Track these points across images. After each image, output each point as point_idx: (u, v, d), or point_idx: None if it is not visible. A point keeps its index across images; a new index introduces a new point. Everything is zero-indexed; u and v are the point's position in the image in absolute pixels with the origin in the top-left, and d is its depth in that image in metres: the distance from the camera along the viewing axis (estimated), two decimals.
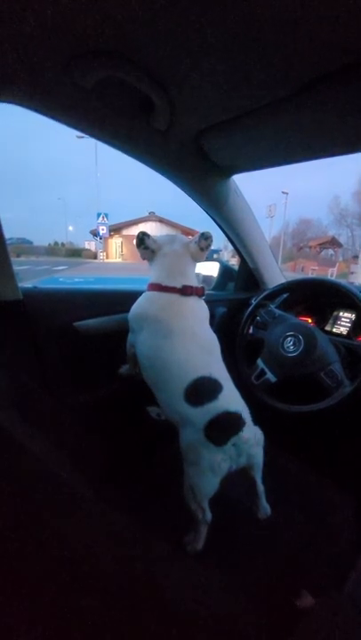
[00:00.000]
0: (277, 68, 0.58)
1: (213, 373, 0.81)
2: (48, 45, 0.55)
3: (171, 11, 0.48)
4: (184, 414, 0.77)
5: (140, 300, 0.92)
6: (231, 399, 0.80)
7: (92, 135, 0.82)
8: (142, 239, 0.89)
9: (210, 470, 0.73)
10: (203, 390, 0.78)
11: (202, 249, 0.90)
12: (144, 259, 0.94)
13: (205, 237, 0.89)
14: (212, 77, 0.62)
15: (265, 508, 0.87)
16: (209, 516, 0.78)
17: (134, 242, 0.93)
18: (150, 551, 0.44)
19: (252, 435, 0.77)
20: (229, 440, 0.72)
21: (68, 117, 0.75)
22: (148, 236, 0.90)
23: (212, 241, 0.90)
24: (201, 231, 0.90)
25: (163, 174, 1.01)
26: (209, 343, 0.88)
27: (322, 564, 0.77)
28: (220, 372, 0.84)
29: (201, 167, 0.98)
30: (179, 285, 0.87)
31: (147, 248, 0.90)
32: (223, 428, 0.73)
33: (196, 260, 0.93)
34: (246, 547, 0.81)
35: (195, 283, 0.91)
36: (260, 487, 0.86)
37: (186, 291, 0.87)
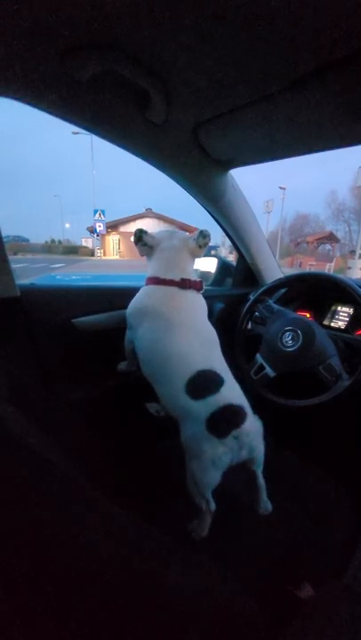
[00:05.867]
0: (274, 61, 0.58)
1: (214, 366, 0.81)
2: (43, 38, 0.54)
3: (167, 3, 0.47)
4: (186, 408, 0.77)
5: (138, 294, 0.92)
6: (233, 392, 0.80)
7: (89, 129, 0.81)
8: (140, 236, 0.89)
9: (211, 463, 0.74)
10: (204, 383, 0.78)
11: (200, 246, 0.90)
12: (142, 255, 0.93)
13: (204, 235, 0.89)
14: (209, 70, 0.61)
15: (265, 503, 0.87)
16: (213, 505, 0.78)
17: (132, 239, 0.92)
18: (150, 546, 0.44)
19: (253, 426, 0.78)
20: (231, 433, 0.73)
21: (64, 111, 0.74)
22: (145, 232, 0.90)
23: (210, 239, 0.90)
24: (199, 228, 0.90)
25: (159, 169, 1.00)
26: (209, 336, 0.88)
27: (320, 556, 0.78)
28: (220, 365, 0.84)
29: (198, 161, 0.98)
30: (177, 278, 0.87)
31: (145, 244, 0.90)
32: (225, 420, 0.74)
33: (194, 256, 0.93)
34: (246, 539, 0.82)
35: (193, 277, 0.91)
36: (261, 481, 0.86)
37: (184, 284, 0.87)
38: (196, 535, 0.79)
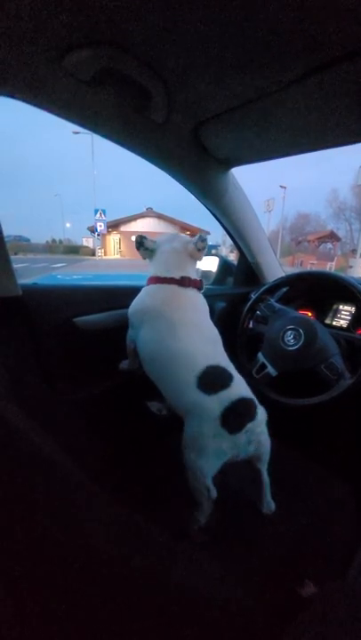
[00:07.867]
0: (274, 60, 0.58)
1: (220, 362, 0.82)
2: (44, 37, 0.54)
3: (167, 2, 0.47)
4: (197, 403, 0.76)
5: (140, 294, 0.92)
6: (242, 386, 0.81)
7: (89, 128, 0.81)
8: (141, 242, 0.91)
9: (215, 456, 0.74)
10: (216, 378, 0.78)
11: (199, 249, 0.92)
12: (144, 258, 0.95)
13: (202, 239, 0.91)
14: (210, 69, 0.61)
15: (269, 502, 0.87)
16: (214, 492, 0.77)
17: (132, 238, 0.93)
18: (151, 545, 0.44)
19: (262, 418, 0.79)
20: (246, 426, 0.73)
21: (65, 110, 0.74)
22: (145, 238, 0.92)
23: (207, 243, 0.92)
24: (200, 228, 0.91)
25: (161, 167, 1.00)
26: (211, 334, 0.88)
27: (323, 556, 0.78)
28: (225, 361, 0.84)
29: (199, 160, 0.98)
30: (177, 276, 0.88)
31: (146, 249, 0.92)
32: (240, 414, 0.74)
33: (194, 258, 0.94)
34: (247, 538, 0.82)
35: (194, 276, 0.92)
36: (266, 480, 0.86)
37: (184, 282, 0.88)
38: (196, 523, 0.79)
